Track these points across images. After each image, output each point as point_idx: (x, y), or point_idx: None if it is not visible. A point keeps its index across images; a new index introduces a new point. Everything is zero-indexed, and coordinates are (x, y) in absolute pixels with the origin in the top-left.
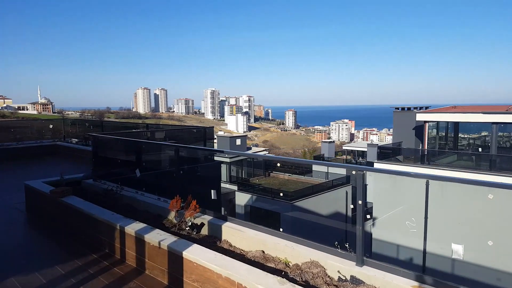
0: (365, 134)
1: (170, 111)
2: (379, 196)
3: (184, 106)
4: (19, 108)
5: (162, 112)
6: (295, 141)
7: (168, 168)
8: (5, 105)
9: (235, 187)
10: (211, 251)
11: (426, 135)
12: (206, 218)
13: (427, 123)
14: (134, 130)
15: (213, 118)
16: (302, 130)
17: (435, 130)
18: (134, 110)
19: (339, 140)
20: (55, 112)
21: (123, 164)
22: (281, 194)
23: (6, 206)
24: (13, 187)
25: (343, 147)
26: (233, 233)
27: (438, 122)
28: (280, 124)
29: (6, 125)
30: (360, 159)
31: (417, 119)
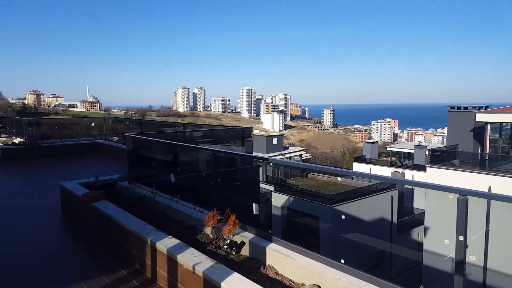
0: (409, 134)
1: (208, 109)
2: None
3: (221, 104)
4: (69, 106)
5: (200, 111)
6: (333, 140)
7: (205, 172)
8: (57, 103)
9: (271, 188)
10: (256, 285)
11: (488, 138)
12: (247, 236)
13: (488, 124)
14: (170, 131)
15: (249, 116)
16: (341, 129)
17: (497, 132)
18: (174, 108)
19: (381, 140)
20: (102, 110)
21: (158, 167)
22: (319, 197)
23: (42, 207)
24: (52, 186)
25: (388, 148)
26: (280, 258)
27: (501, 123)
28: (317, 123)
29: (56, 122)
30: (406, 161)
31: (476, 119)
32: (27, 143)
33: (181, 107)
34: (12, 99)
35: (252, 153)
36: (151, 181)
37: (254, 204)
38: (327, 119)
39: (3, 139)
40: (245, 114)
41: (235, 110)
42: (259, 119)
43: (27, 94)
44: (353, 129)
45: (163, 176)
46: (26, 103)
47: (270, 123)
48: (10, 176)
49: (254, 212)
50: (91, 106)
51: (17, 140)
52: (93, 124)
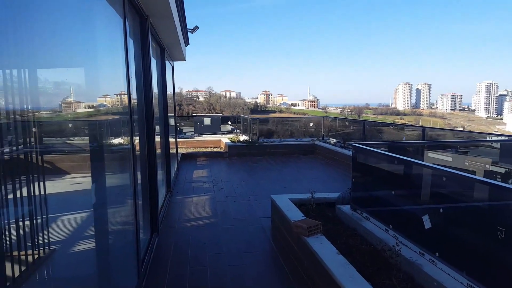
0: None
1: (433, 107)
2: None
3: (449, 101)
4: (292, 104)
5: (423, 109)
6: None
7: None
8: (282, 101)
9: None
10: None
11: None
12: None
13: None
14: (406, 142)
15: (486, 116)
16: None
17: None
18: (392, 106)
19: None
20: (319, 108)
21: (400, 196)
22: None
23: (252, 220)
24: (266, 191)
25: None
26: None
27: None
28: None
29: (278, 121)
30: None
31: None
32: (250, 141)
33: (400, 104)
34: (248, 98)
35: None
36: (387, 215)
37: None
38: None
39: (231, 135)
40: (481, 113)
41: (468, 108)
42: (501, 119)
43: (259, 94)
44: None
45: (409, 212)
46: (257, 102)
47: None
48: (229, 175)
49: None
50: (310, 104)
51: (242, 138)
52: (311, 124)
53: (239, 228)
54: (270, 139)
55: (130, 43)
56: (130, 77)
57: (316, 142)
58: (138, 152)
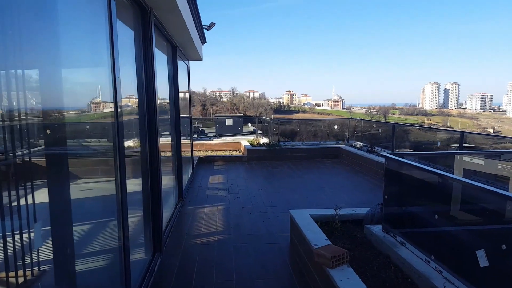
0: None
1: (461, 107)
2: None
3: (479, 101)
4: (316, 104)
5: (451, 109)
6: None
7: None
8: (306, 101)
9: None
10: None
11: None
12: None
13: None
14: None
15: None
16: None
17: None
18: (419, 106)
19: None
20: (344, 108)
21: (446, 218)
22: None
23: (268, 235)
24: (286, 202)
25: None
26: None
27: None
28: None
29: (301, 122)
30: None
31: None
32: (271, 145)
33: (428, 104)
34: (271, 98)
35: None
36: (428, 241)
37: None
38: None
39: (251, 137)
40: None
41: (499, 109)
42: None
43: (282, 94)
44: None
45: (455, 239)
46: (281, 102)
47: None
48: (247, 182)
49: None
50: (335, 104)
51: (262, 141)
52: (335, 127)
53: (253, 248)
54: (291, 142)
55: (128, 34)
56: (116, 73)
57: (341, 146)
58: (132, 157)
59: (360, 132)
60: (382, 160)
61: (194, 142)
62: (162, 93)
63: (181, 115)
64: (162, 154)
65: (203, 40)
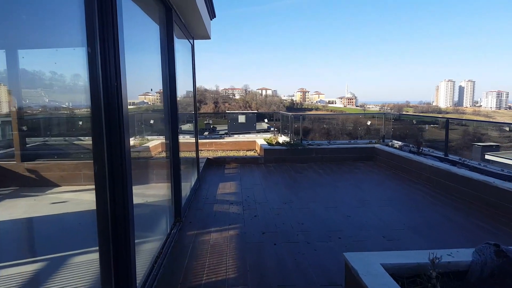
0: None
1: (476, 105)
2: None
3: (494, 99)
4: (329, 102)
5: (466, 107)
6: None
7: None
8: (319, 99)
9: None
10: None
11: None
12: None
13: None
14: None
15: None
16: None
17: None
18: (434, 104)
19: None
20: (357, 106)
21: None
22: None
23: (316, 279)
24: (320, 224)
25: None
26: None
27: None
28: None
29: (320, 118)
30: None
31: None
32: (292, 144)
33: (442, 102)
34: (284, 96)
35: None
36: None
37: None
38: None
39: (268, 135)
40: None
41: None
42: None
43: (295, 91)
44: None
45: None
46: (294, 100)
47: None
48: (265, 192)
49: None
50: (348, 102)
51: (281, 139)
52: (369, 123)
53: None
54: (316, 141)
55: None
56: None
57: (376, 146)
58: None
59: (398, 131)
60: (437, 163)
61: (202, 141)
62: (141, 70)
63: (184, 108)
64: (142, 154)
65: (212, 13)
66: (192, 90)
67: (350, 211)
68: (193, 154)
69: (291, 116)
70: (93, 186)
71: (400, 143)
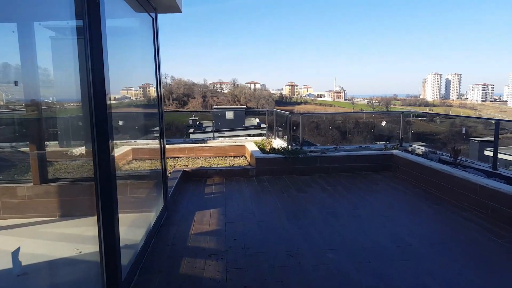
0: None
1: (462, 98)
2: None
3: (480, 92)
4: (318, 96)
5: (453, 100)
6: None
7: None
8: (308, 93)
9: None
10: None
11: None
12: None
13: None
14: None
15: None
16: None
17: None
18: (421, 97)
19: None
20: (346, 100)
21: None
22: None
23: None
24: (344, 266)
25: None
26: None
27: None
28: None
29: (329, 118)
30: None
31: None
32: (292, 151)
33: (429, 95)
34: (273, 90)
35: None
36: None
37: None
38: None
39: (259, 139)
40: None
41: (499, 99)
42: None
43: (284, 85)
44: None
45: None
46: (282, 94)
47: None
48: (261, 227)
49: None
50: (337, 95)
51: (276, 143)
52: (383, 124)
53: None
54: (319, 147)
55: None
56: None
57: (394, 152)
58: None
59: (421, 134)
60: (496, 184)
61: (180, 146)
62: None
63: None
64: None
65: None
66: (155, 80)
67: (387, 266)
68: (157, 166)
69: (288, 115)
70: None
71: (422, 148)
